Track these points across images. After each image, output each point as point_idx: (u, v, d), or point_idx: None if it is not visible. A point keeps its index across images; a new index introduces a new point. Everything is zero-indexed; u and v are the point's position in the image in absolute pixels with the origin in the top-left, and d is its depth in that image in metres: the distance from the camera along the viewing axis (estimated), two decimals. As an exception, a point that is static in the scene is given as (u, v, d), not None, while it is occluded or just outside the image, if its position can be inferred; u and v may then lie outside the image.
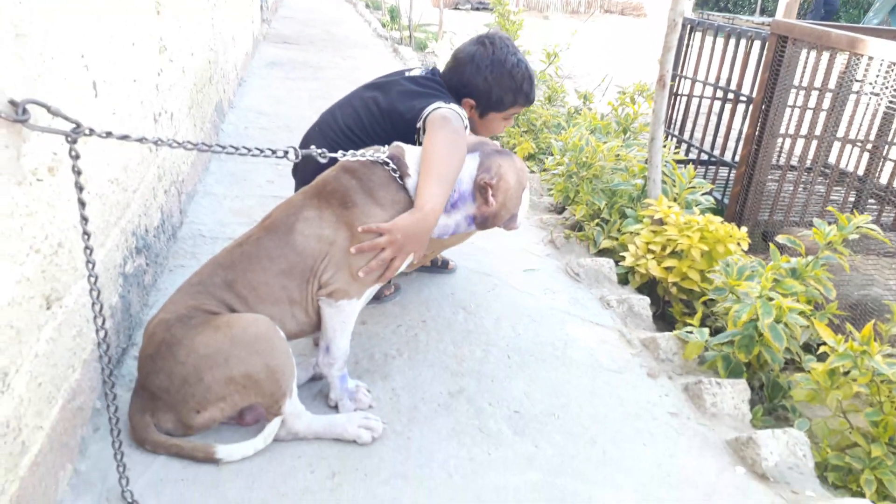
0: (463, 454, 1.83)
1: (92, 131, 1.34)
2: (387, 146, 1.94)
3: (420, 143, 2.04)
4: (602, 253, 3.27)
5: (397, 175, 1.87)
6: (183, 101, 3.03)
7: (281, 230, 1.80)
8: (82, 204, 1.35)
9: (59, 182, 1.49)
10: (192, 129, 3.24)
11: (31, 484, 1.35)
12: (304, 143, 2.28)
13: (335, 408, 1.93)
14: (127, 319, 2.06)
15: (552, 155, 3.97)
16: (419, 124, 2.10)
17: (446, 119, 1.98)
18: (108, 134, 1.37)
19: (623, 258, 3.04)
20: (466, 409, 2.01)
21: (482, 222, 2.01)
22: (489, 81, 2.27)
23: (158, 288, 2.44)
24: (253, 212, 3.18)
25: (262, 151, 1.60)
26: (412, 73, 2.36)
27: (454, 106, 2.14)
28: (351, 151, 1.82)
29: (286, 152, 1.63)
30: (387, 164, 1.86)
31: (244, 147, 1.59)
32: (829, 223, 2.53)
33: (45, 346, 1.43)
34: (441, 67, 2.41)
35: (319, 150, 1.69)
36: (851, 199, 4.15)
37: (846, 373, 2.05)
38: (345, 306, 1.82)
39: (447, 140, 1.89)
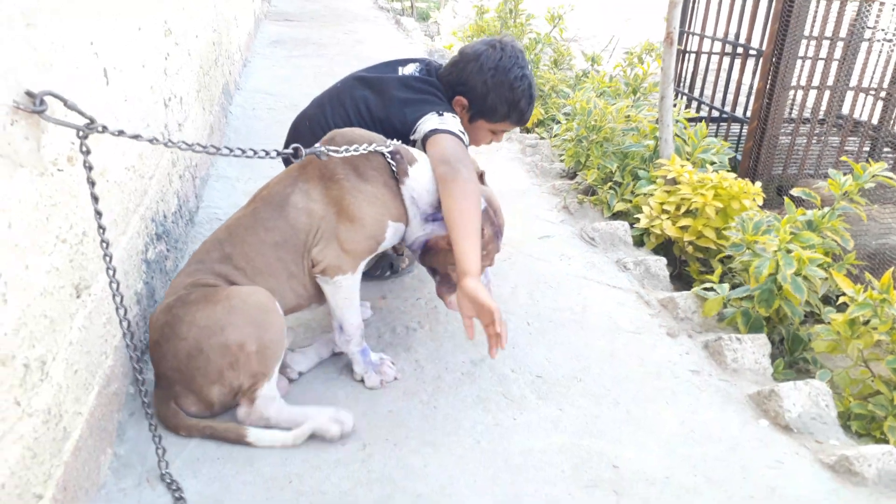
0: (489, 420, 1.86)
1: (105, 128, 1.35)
2: (394, 140, 1.94)
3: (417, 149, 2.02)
4: (616, 216, 3.27)
5: (394, 168, 1.87)
6: (191, 85, 3.04)
7: (276, 201, 1.83)
8: (95, 199, 1.38)
9: (80, 172, 1.51)
10: (201, 112, 3.25)
11: (74, 468, 1.39)
12: (294, 137, 2.25)
13: (362, 381, 1.96)
14: (152, 306, 2.09)
15: (558, 122, 3.96)
16: (413, 136, 2.08)
17: (456, 166, 1.86)
18: (121, 132, 1.38)
19: (637, 220, 3.04)
20: (490, 376, 2.04)
21: (425, 252, 1.97)
22: (488, 85, 2.15)
23: (180, 272, 2.48)
24: (266, 192, 3.20)
25: (267, 153, 1.65)
26: (405, 71, 2.26)
27: (450, 121, 2.04)
28: (355, 146, 1.81)
29: (292, 153, 1.67)
30: (387, 155, 1.87)
31: (251, 149, 1.63)
32: (845, 173, 2.51)
33: (78, 334, 1.46)
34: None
35: (324, 148, 1.73)
36: (866, 149, 4.11)
37: (866, 322, 2.05)
38: (342, 282, 1.84)
39: (467, 193, 1.83)
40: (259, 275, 1.79)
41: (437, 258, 1.97)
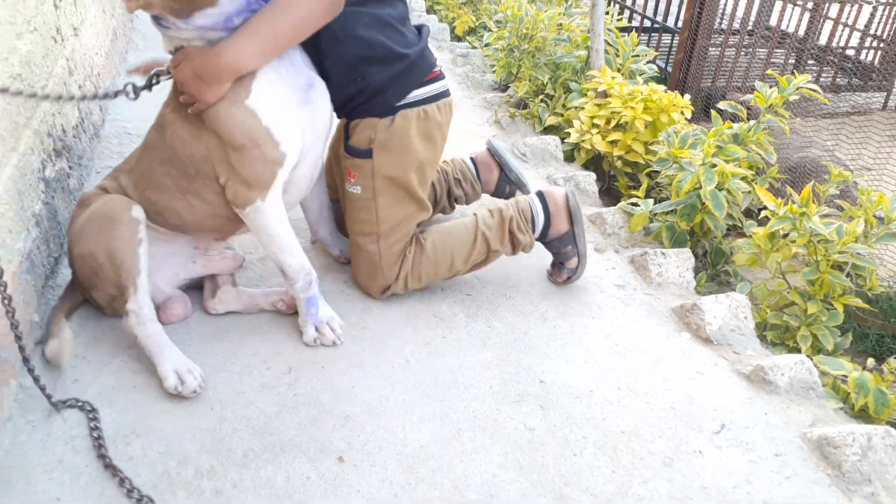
0: (418, 339, 1.84)
1: None
2: None
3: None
4: (548, 130, 3.22)
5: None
6: (87, -16, 2.75)
7: (158, 122, 1.71)
8: None
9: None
10: (101, 15, 2.97)
11: (-29, 404, 1.30)
12: None
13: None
14: (55, 227, 1.95)
15: (489, 30, 3.82)
16: None
17: None
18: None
19: (568, 135, 3.00)
20: (420, 296, 2.01)
21: None
22: None
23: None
24: (180, 104, 2.99)
25: (107, 94, 1.67)
26: None
27: None
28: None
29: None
30: None
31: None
32: (771, 86, 2.52)
33: (-35, 263, 1.34)
34: None
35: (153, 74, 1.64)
36: (792, 61, 4.15)
37: (785, 235, 2.11)
38: (252, 213, 1.62)
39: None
40: (148, 188, 1.69)
41: None
